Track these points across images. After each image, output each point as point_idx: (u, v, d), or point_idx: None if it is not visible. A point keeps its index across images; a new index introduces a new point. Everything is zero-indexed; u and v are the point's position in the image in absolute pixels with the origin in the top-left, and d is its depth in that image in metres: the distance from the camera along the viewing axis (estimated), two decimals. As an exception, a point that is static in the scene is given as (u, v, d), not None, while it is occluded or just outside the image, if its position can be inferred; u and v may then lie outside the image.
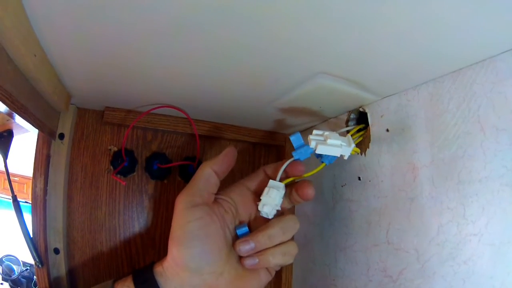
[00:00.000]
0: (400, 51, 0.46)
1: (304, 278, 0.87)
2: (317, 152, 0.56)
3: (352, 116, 0.71)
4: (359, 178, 0.68)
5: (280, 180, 0.61)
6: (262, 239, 0.60)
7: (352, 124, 0.71)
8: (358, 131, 0.67)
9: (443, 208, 0.50)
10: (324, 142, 0.56)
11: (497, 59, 0.45)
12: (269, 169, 0.66)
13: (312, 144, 0.56)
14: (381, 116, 0.63)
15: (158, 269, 0.62)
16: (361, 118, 0.69)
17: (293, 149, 0.89)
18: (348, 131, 0.65)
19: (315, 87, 0.60)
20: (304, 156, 0.59)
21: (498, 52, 0.44)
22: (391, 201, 0.60)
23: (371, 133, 0.66)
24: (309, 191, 0.61)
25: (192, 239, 0.59)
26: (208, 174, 0.63)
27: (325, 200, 0.79)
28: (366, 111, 0.67)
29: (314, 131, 0.58)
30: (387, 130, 0.62)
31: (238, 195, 0.66)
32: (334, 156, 0.58)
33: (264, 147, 1.00)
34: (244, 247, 0.60)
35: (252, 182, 0.66)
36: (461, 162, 0.48)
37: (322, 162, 0.59)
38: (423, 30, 0.41)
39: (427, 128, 0.54)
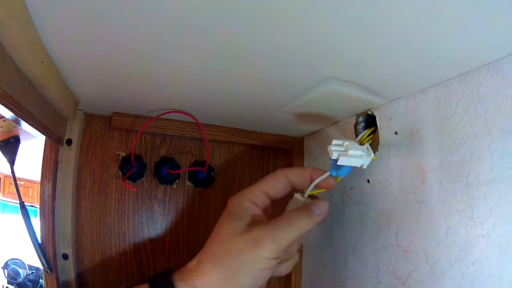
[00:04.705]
0: (408, 54, 0.47)
1: (313, 280, 0.88)
2: (339, 163, 0.56)
3: (361, 119, 0.72)
4: (368, 181, 0.69)
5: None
6: (283, 255, 0.59)
7: (360, 127, 0.71)
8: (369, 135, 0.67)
9: (452, 211, 0.51)
10: (345, 153, 0.56)
11: (504, 62, 0.45)
12: (293, 175, 0.63)
13: (334, 155, 0.56)
14: (390, 119, 0.64)
15: None
16: (370, 121, 0.70)
17: (301, 152, 0.89)
18: (356, 136, 0.66)
19: (325, 92, 0.61)
20: (342, 174, 0.60)
21: (505, 54, 0.44)
22: (400, 203, 0.61)
23: (380, 136, 0.66)
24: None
25: (262, 283, 0.57)
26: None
27: (334, 203, 0.79)
28: (375, 114, 0.67)
29: (334, 141, 0.58)
30: (396, 133, 0.62)
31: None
32: (349, 169, 0.59)
33: (273, 150, 1.00)
34: None
35: (272, 188, 0.63)
36: (469, 164, 0.49)
37: (338, 175, 0.60)
38: (430, 33, 0.41)
39: (435, 131, 0.55)
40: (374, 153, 0.66)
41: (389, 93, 0.61)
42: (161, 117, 0.81)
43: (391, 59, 0.48)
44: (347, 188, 0.75)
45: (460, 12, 0.37)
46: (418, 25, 0.40)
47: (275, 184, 0.62)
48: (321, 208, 0.59)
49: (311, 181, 0.60)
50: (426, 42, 0.43)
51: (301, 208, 0.58)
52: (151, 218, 0.89)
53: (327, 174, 0.60)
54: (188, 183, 0.93)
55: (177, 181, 0.91)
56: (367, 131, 0.67)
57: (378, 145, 0.66)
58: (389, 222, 0.62)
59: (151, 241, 0.89)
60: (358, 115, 0.72)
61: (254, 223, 0.58)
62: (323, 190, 0.61)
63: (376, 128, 0.67)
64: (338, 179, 0.60)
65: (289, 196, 0.64)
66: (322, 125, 0.84)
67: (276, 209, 0.64)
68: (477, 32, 0.40)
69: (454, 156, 0.51)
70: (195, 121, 0.84)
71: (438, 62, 0.48)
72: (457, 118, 0.51)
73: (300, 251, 0.93)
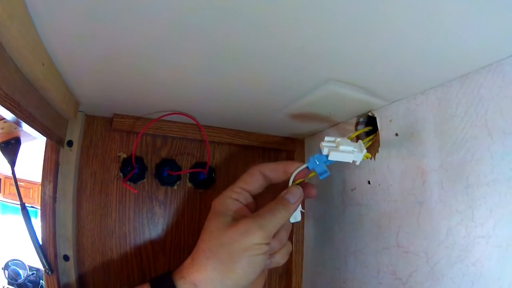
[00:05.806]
0: (408, 56, 0.47)
1: (314, 281, 0.88)
2: (330, 159, 0.57)
3: (361, 120, 0.72)
4: (369, 182, 0.69)
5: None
6: (275, 244, 0.62)
7: (361, 129, 0.71)
8: (367, 134, 0.67)
9: (452, 211, 0.51)
10: (336, 148, 0.57)
11: (504, 63, 0.45)
12: (267, 171, 0.65)
13: (325, 151, 0.57)
14: (390, 121, 0.64)
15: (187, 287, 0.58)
16: (370, 123, 0.70)
17: (302, 154, 0.89)
18: (357, 136, 0.66)
19: (326, 94, 0.61)
20: (317, 168, 0.60)
21: (505, 56, 0.45)
22: (400, 205, 0.61)
23: (380, 138, 0.66)
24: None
25: (259, 271, 0.59)
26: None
27: (335, 204, 0.79)
28: (375, 115, 0.67)
29: (326, 138, 0.59)
30: (396, 135, 0.62)
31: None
32: (327, 172, 0.60)
33: (274, 151, 1.01)
34: None
35: (248, 185, 0.65)
36: (469, 166, 0.49)
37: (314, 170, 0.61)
38: (431, 35, 0.42)
39: (436, 132, 0.55)
40: (375, 155, 0.66)
41: (390, 94, 0.61)
42: (162, 118, 0.82)
43: (391, 60, 0.49)
44: (347, 189, 0.75)
45: (460, 14, 0.37)
46: (418, 26, 0.40)
47: (250, 180, 0.65)
48: (295, 195, 0.61)
49: (285, 173, 0.64)
50: (426, 44, 0.43)
51: (278, 200, 0.61)
52: (152, 219, 0.89)
53: (304, 166, 0.62)
54: (189, 185, 0.93)
55: (178, 182, 0.91)
56: (365, 128, 0.67)
57: (378, 146, 0.66)
58: (390, 223, 0.63)
59: (152, 242, 0.89)
60: (358, 117, 0.72)
61: (239, 216, 0.61)
62: (302, 180, 0.63)
63: (377, 129, 0.67)
64: (312, 174, 0.62)
65: (269, 190, 0.66)
66: (322, 126, 0.84)
67: (260, 204, 0.66)
68: (478, 33, 0.40)
69: (455, 157, 0.51)
70: (196, 123, 0.84)
71: (439, 63, 0.49)
72: (457, 119, 0.51)
73: (301, 251, 0.94)
